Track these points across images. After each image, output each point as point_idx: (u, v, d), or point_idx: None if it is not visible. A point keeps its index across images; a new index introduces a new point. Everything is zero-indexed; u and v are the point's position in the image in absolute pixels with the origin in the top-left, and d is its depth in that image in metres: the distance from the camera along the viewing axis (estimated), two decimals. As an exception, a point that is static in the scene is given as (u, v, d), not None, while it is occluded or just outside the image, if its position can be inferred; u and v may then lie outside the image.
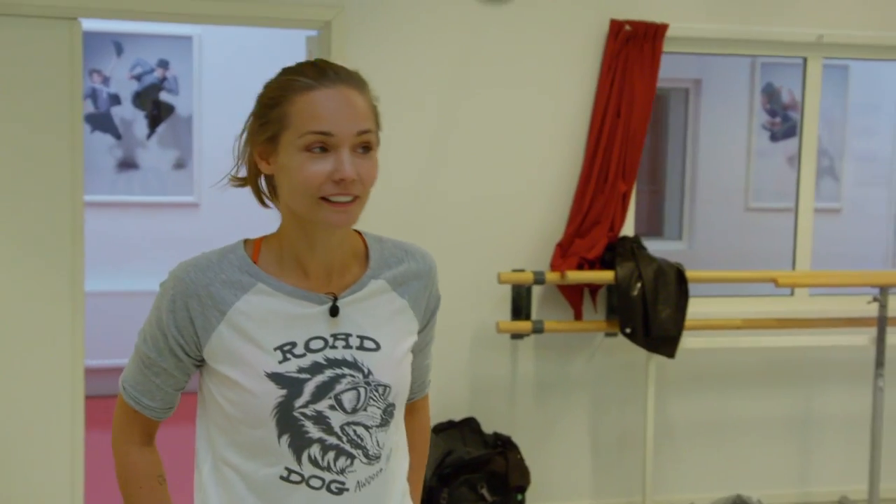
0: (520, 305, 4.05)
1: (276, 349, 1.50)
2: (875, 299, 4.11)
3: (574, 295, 4.10)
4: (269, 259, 1.55)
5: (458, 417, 4.02)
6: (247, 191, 5.73)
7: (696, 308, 4.14)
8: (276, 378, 1.49)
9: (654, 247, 4.20)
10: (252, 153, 1.54)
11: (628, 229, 4.20)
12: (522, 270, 4.01)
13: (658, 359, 4.08)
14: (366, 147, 1.49)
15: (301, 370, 1.50)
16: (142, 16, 3.97)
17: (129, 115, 6.14)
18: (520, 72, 4.05)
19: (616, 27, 4.02)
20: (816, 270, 4.48)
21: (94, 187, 6.03)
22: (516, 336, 4.08)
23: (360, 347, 1.54)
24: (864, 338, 4.22)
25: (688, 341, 4.08)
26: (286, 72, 1.51)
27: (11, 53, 3.67)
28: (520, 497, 3.81)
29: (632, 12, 4.06)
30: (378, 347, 1.56)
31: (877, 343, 4.14)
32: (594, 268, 4.02)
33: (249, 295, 1.51)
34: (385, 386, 1.55)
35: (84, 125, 5.94)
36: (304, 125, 1.45)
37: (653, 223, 7.30)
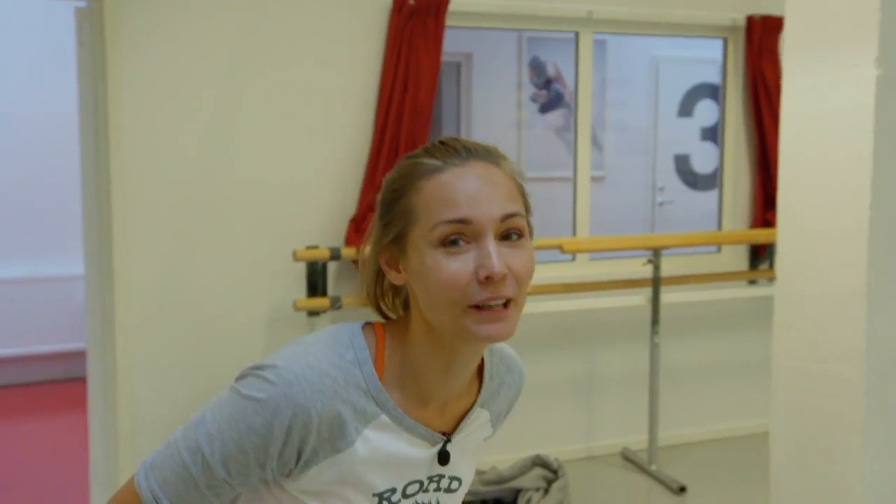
0: (316, 282, 4.02)
1: (374, 495, 1.28)
2: (649, 261, 4.38)
3: (369, 270, 4.11)
4: (392, 373, 1.27)
5: (257, 400, 3.95)
6: (10, 174, 5.30)
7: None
8: None
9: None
10: (377, 262, 1.27)
11: (418, 203, 4.25)
12: (317, 247, 3.97)
13: (452, 329, 4.16)
14: (515, 234, 1.20)
15: None
16: None
17: None
18: (305, 49, 3.99)
19: (399, 2, 4.03)
20: (597, 236, 4.72)
21: None
22: (313, 313, 4.05)
23: (448, 489, 1.37)
24: (640, 298, 4.49)
25: (480, 310, 4.18)
26: (407, 157, 1.26)
27: None
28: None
29: (415, -13, 4.08)
30: (460, 485, 1.39)
31: (652, 302, 4.41)
32: (388, 242, 4.04)
33: (370, 430, 1.24)
34: None
35: None
36: (434, 215, 1.18)
37: (429, 196, 7.42)
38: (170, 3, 3.77)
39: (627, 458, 4.62)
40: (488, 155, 1.24)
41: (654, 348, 4.41)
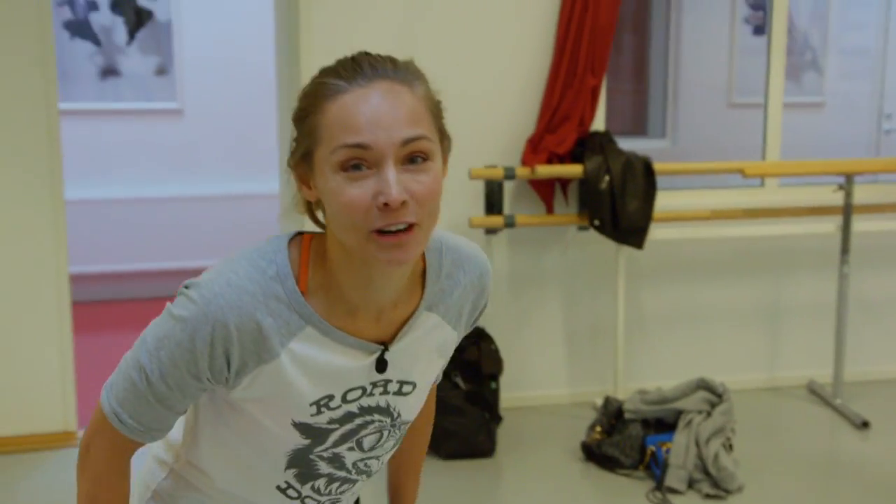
0: (492, 201, 4.12)
1: (311, 404, 1.31)
2: (840, 187, 4.18)
3: (545, 189, 4.17)
4: (317, 286, 1.28)
5: (433, 311, 4.13)
6: (231, 97, 5.77)
7: (668, 201, 4.22)
8: (303, 428, 1.33)
9: (638, 145, 4.25)
10: (294, 176, 1.28)
11: (599, 124, 4.25)
12: (494, 167, 4.07)
13: (628, 250, 4.17)
14: (420, 157, 1.20)
15: (332, 421, 1.34)
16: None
17: (108, 22, 6.12)
18: (487, -33, 4.05)
19: (583, -81, 4.00)
20: (783, 161, 4.54)
21: (77, 94, 6.05)
22: (490, 231, 4.16)
23: (398, 392, 1.37)
24: (830, 226, 4.30)
25: (658, 233, 4.17)
26: (318, 74, 1.25)
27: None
28: (493, 384, 3.94)
29: None
30: (414, 388, 1.39)
31: (842, 230, 4.22)
32: (564, 162, 4.08)
33: (295, 342, 1.27)
34: (408, 422, 1.43)
35: (62, 32, 5.96)
36: (334, 138, 1.18)
37: (637, 122, 7.32)
38: (358, -72, 3.92)
39: (813, 390, 4.48)
40: (396, 73, 1.21)
41: (842, 279, 4.23)
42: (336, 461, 1.38)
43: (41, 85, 3.76)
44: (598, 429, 3.79)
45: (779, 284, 4.55)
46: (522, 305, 4.30)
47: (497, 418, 3.97)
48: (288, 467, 1.36)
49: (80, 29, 6.09)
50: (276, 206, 6.19)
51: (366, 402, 1.35)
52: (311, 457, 1.36)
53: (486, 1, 4.06)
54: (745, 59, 6.95)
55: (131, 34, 6.17)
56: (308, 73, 3.88)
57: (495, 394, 3.97)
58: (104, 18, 6.11)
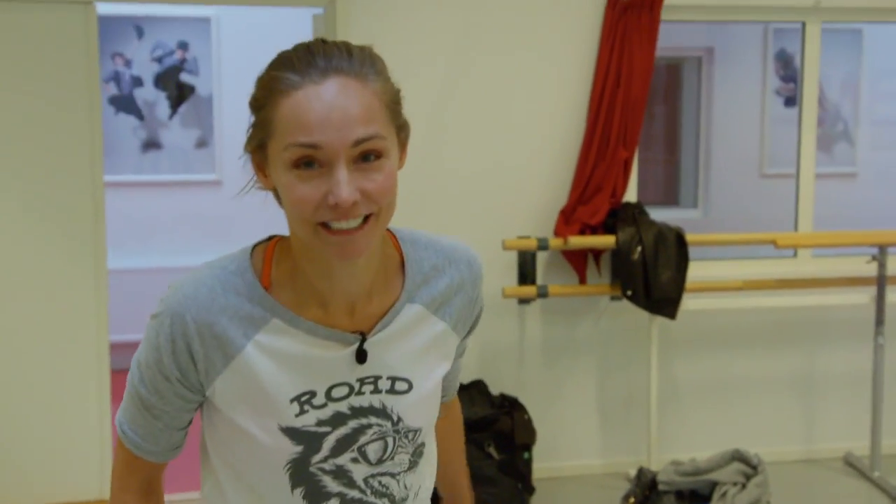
0: (525, 271, 4.17)
1: (292, 401, 1.26)
2: (874, 258, 4.18)
3: (578, 260, 4.21)
4: (282, 280, 1.28)
5: (466, 380, 4.15)
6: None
7: (700, 271, 4.24)
8: (291, 433, 1.27)
9: (670, 215, 4.28)
10: (251, 162, 1.28)
11: (631, 195, 4.30)
12: (527, 237, 4.12)
13: (661, 321, 4.18)
14: (373, 155, 1.18)
15: (320, 423, 1.28)
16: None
17: (152, 97, 6.30)
18: (521, 41, 4.15)
19: (614, -3, 4.10)
20: (815, 232, 4.55)
21: (120, 167, 6.21)
22: (523, 301, 4.20)
23: (391, 391, 1.31)
24: (864, 296, 4.30)
25: (690, 303, 4.19)
26: (272, 65, 1.23)
27: (29, 38, 3.82)
28: (526, 455, 3.95)
29: (629, -18, 4.13)
30: (410, 388, 1.32)
31: (876, 301, 4.22)
32: (597, 233, 4.13)
33: (262, 334, 1.25)
34: (415, 430, 1.34)
35: (108, 107, 6.15)
36: (286, 135, 1.17)
37: (669, 192, 7.37)
38: (395, 7, 4.05)
39: (850, 463, 4.43)
40: (352, 66, 1.19)
41: (878, 350, 4.21)
42: (342, 476, 1.30)
43: (88, 159, 3.89)
44: (632, 500, 3.77)
45: (813, 355, 4.53)
46: (555, 375, 4.32)
47: (530, 489, 3.97)
48: (294, 486, 1.30)
49: (124, 104, 6.27)
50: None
51: (356, 401, 1.29)
52: (312, 469, 1.29)
53: (521, 74, 4.16)
54: (776, 130, 7.01)
55: (174, 108, 6.34)
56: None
57: (528, 464, 3.98)
58: (148, 94, 6.29)
